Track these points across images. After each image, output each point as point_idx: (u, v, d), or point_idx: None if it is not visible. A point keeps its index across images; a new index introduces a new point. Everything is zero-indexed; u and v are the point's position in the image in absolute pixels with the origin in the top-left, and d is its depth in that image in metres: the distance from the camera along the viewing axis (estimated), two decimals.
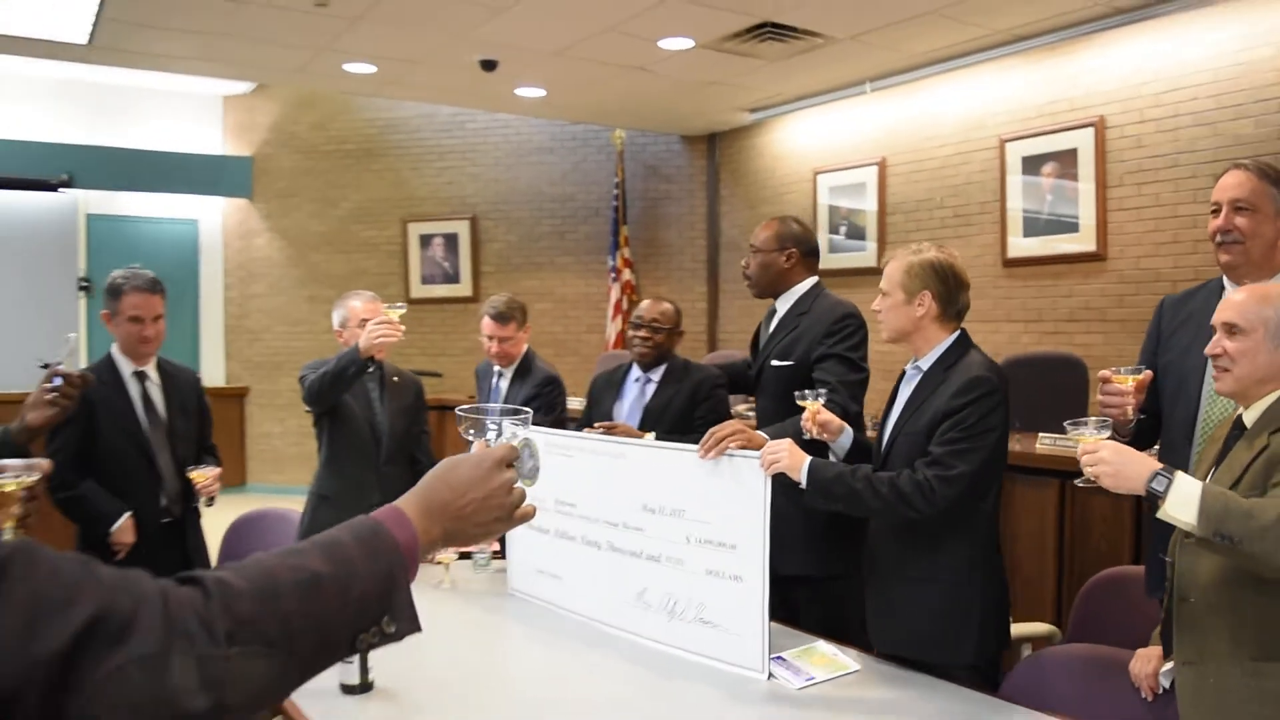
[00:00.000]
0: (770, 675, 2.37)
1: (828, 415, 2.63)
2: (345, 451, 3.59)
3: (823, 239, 7.15)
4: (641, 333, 3.43)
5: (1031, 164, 5.86)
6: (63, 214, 8.00)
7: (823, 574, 2.93)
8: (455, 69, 6.23)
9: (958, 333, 2.49)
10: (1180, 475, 1.80)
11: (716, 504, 2.49)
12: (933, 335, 2.47)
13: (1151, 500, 1.81)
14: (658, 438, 3.10)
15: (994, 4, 5.06)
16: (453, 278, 8.37)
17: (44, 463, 1.75)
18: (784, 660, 2.43)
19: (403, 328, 3.37)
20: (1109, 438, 1.98)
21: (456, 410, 1.39)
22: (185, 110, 8.48)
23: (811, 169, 7.26)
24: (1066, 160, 5.69)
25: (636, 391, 3.49)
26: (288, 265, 8.57)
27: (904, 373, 2.57)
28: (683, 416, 3.35)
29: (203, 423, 3.46)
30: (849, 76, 6.50)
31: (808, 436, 2.62)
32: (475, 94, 7.02)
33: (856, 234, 6.95)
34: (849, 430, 2.66)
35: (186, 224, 8.52)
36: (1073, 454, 2.03)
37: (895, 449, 2.47)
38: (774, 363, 3.20)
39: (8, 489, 1.65)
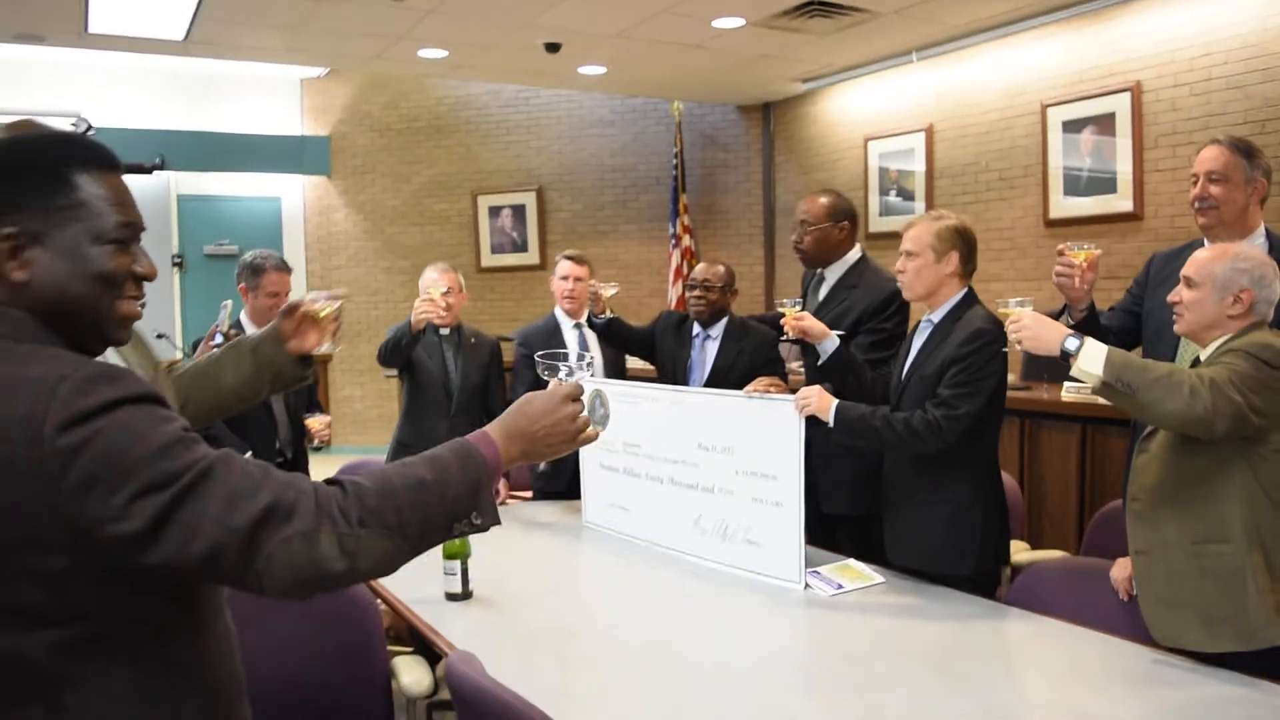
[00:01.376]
0: (806, 585, 2.79)
1: (809, 322, 3.03)
2: (420, 404, 4.09)
3: (874, 203, 7.47)
4: (696, 292, 3.80)
5: (1072, 128, 6.11)
6: (156, 195, 8.53)
7: (860, 513, 3.33)
8: (521, 51, 6.63)
9: (966, 289, 2.87)
10: (1090, 339, 2.20)
11: (760, 441, 2.91)
12: (948, 290, 2.85)
13: (1065, 360, 2.22)
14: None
15: None
16: (521, 247, 8.81)
17: (344, 290, 2.22)
18: (819, 573, 2.84)
19: (443, 304, 3.82)
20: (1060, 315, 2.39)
21: (536, 356, 1.80)
22: (266, 94, 8.98)
23: (862, 136, 7.55)
24: (1105, 124, 5.93)
25: (699, 347, 3.88)
26: (365, 238, 9.08)
27: (918, 324, 2.95)
28: (748, 374, 3.73)
29: (311, 389, 3.97)
30: (896, 47, 6.78)
31: (788, 339, 3.05)
32: (540, 73, 7.43)
33: (906, 197, 7.24)
34: (834, 336, 3.05)
35: (270, 201, 9.05)
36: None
37: (909, 391, 2.86)
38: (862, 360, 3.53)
39: (325, 312, 2.09)
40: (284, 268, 3.80)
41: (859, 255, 3.60)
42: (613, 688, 2.21)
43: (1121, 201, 5.83)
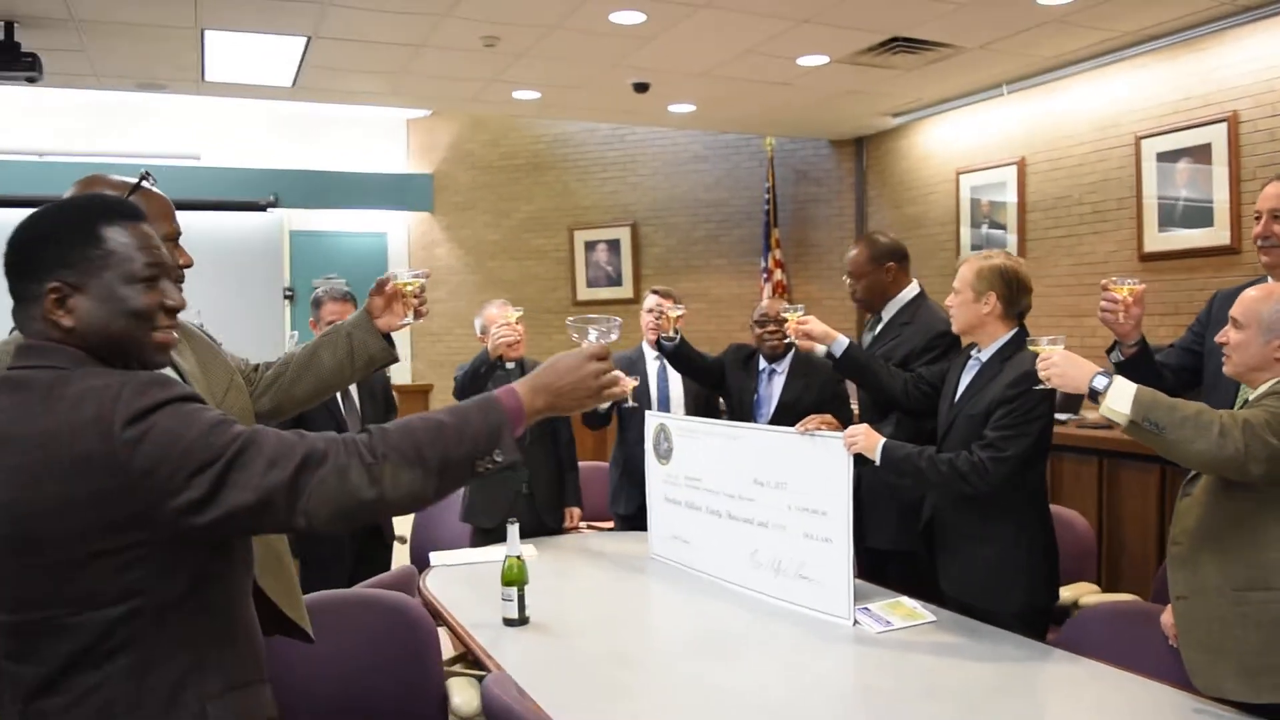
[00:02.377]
0: (855, 622, 2.82)
1: (811, 324, 3.09)
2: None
3: (965, 236, 7.41)
4: (769, 328, 3.87)
5: (1166, 160, 5.98)
6: (269, 231, 8.95)
7: (906, 548, 3.34)
8: (611, 92, 6.81)
9: (1016, 329, 2.88)
10: (1120, 376, 2.20)
11: (811, 478, 2.96)
12: (994, 330, 2.87)
13: (1094, 398, 2.23)
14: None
15: (1115, 10, 5.25)
16: (615, 280, 8.97)
17: (427, 270, 2.46)
18: (869, 610, 2.87)
19: (520, 327, 3.91)
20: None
21: (568, 320, 1.90)
22: (373, 133, 9.36)
23: (954, 169, 7.51)
24: (1200, 155, 5.79)
25: (765, 381, 3.94)
26: (466, 272, 9.36)
27: (966, 362, 2.97)
28: (815, 409, 3.78)
29: (388, 408, 4.13)
30: (984, 81, 6.75)
31: (791, 340, 3.24)
32: (630, 112, 7.59)
33: (998, 231, 7.17)
34: (842, 339, 3.11)
35: (376, 237, 9.41)
36: None
37: (954, 429, 2.88)
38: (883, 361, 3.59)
39: (409, 287, 2.36)
40: (342, 298, 4.01)
41: (916, 292, 3.62)
42: (649, 715, 2.28)
43: (1219, 234, 5.67)
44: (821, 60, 6.07)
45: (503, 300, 4.32)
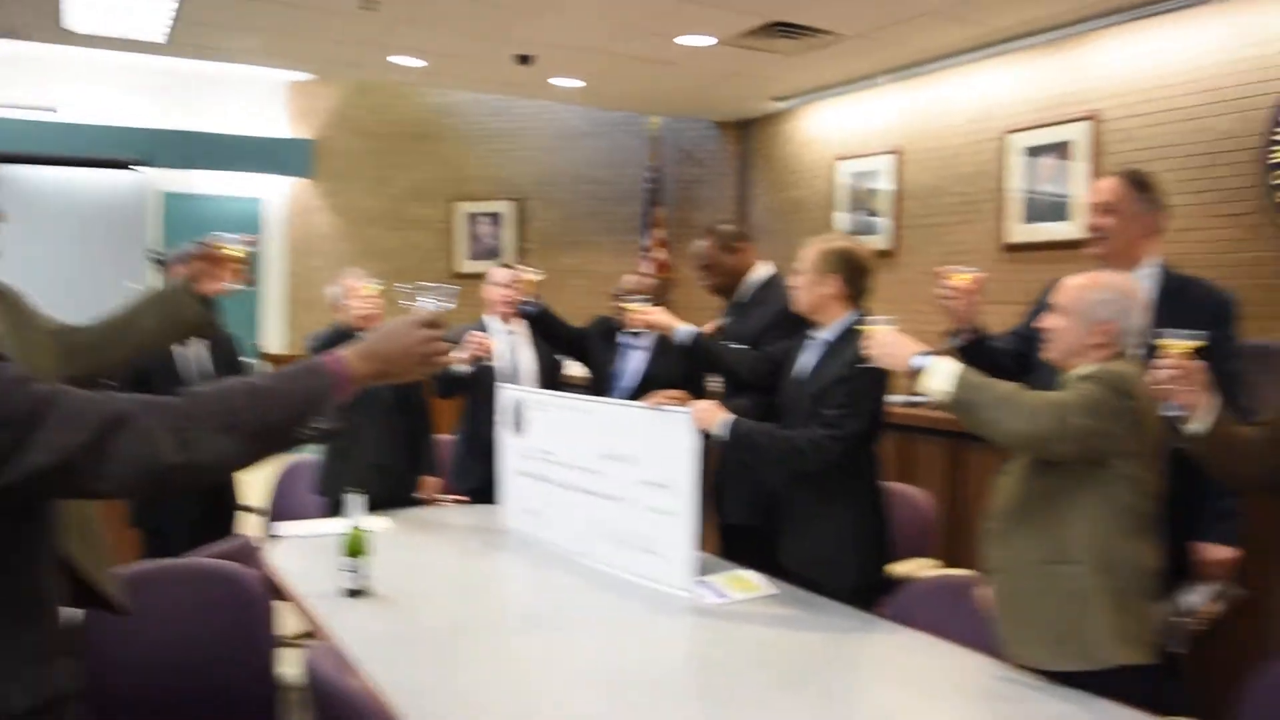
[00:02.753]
0: (694, 594, 2.85)
1: (653, 317, 3.13)
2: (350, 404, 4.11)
3: (841, 223, 7.55)
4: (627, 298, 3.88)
5: (1032, 155, 6.19)
6: (135, 192, 8.61)
7: (759, 523, 3.39)
8: (494, 63, 6.73)
9: (857, 311, 2.94)
10: (940, 357, 2.29)
11: (658, 452, 2.97)
12: (835, 311, 2.93)
13: (914, 376, 2.31)
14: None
15: (989, 3, 5.39)
16: (496, 254, 8.89)
17: (256, 236, 2.37)
18: (708, 583, 2.90)
19: (380, 300, 3.85)
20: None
21: (395, 285, 1.87)
22: (252, 95, 9.05)
23: (834, 155, 7.64)
24: (1064, 152, 6.01)
25: (626, 356, 3.94)
26: (343, 240, 9.17)
27: (806, 341, 3.03)
28: (679, 385, 3.80)
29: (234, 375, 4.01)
30: (864, 70, 6.87)
31: (633, 331, 3.31)
32: (516, 84, 7.53)
33: (873, 218, 7.32)
34: (685, 328, 3.20)
35: (251, 202, 9.13)
36: None
37: (795, 408, 2.94)
38: (731, 345, 3.64)
39: (235, 252, 2.28)
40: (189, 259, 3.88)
41: (771, 272, 3.68)
42: (480, 685, 2.27)
43: (1078, 228, 5.89)
44: (705, 41, 6.10)
45: (360, 270, 4.22)
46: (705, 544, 3.74)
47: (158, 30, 6.11)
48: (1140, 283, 2.79)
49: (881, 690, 2.36)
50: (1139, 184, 2.89)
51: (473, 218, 8.97)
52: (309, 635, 2.99)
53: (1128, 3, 5.40)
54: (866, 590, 2.89)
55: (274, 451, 1.50)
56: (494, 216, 8.91)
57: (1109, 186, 2.91)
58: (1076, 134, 5.92)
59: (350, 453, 3.93)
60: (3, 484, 1.31)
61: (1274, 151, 4.93)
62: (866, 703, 2.26)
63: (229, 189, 9.02)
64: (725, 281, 3.72)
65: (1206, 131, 5.30)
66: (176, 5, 5.59)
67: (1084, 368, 2.32)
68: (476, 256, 8.94)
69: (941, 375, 2.26)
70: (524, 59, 6.56)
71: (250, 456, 1.47)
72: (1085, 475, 2.23)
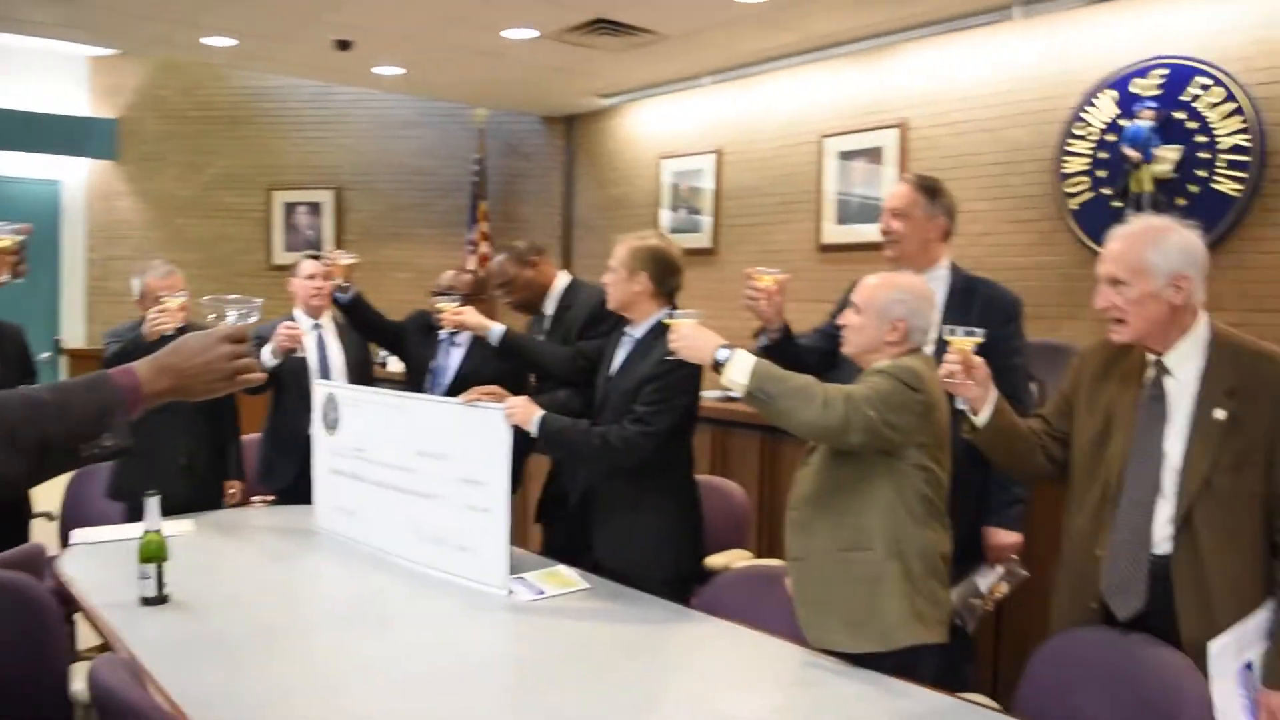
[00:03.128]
0: (510, 591, 2.85)
1: (466, 316, 3.26)
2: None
3: (665, 220, 7.66)
4: (439, 300, 3.84)
5: (845, 160, 6.43)
6: None
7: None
8: (312, 47, 6.51)
9: (668, 307, 2.99)
10: (741, 350, 2.36)
11: (472, 448, 2.95)
12: (647, 308, 2.98)
13: (717, 369, 2.37)
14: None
15: (806, 10, 5.56)
16: (315, 246, 8.60)
17: (29, 225, 2.19)
18: (524, 579, 2.91)
19: (181, 314, 3.58)
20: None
21: (203, 300, 1.79)
22: (49, 70, 8.49)
23: (657, 154, 7.73)
24: (874, 157, 6.26)
25: (445, 352, 3.90)
26: (151, 228, 8.71)
27: (620, 338, 3.07)
28: (497, 381, 3.77)
29: (24, 373, 3.72)
30: (687, 70, 6.98)
31: (445, 331, 3.36)
32: (336, 70, 7.30)
33: (695, 217, 7.45)
34: (498, 327, 3.27)
35: (49, 185, 8.57)
36: None
37: (608, 403, 2.98)
38: (544, 342, 3.65)
39: (5, 243, 2.10)
40: None
41: (568, 280, 3.72)
42: (285, 691, 2.21)
43: None
44: (529, 34, 6.07)
45: (168, 268, 3.98)
46: (524, 541, 3.75)
47: None
48: (931, 283, 2.95)
49: (686, 677, 2.41)
50: (929, 190, 3.05)
51: (290, 207, 8.66)
52: (105, 648, 2.85)
53: (936, 16, 5.66)
54: (680, 582, 2.96)
55: (56, 471, 1.41)
56: (313, 206, 8.63)
57: (900, 193, 3.06)
58: (886, 140, 6.18)
59: (148, 454, 3.73)
60: None
61: (1066, 162, 5.27)
62: (671, 690, 2.30)
63: (23, 170, 8.43)
64: (527, 297, 3.73)
65: (1004, 142, 5.62)
66: None
67: (879, 363, 2.43)
68: (294, 248, 8.61)
69: (740, 368, 2.33)
70: (343, 44, 6.37)
71: (30, 474, 1.37)
72: (879, 465, 2.34)
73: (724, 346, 2.38)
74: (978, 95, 5.73)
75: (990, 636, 3.69)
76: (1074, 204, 5.26)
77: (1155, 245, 2.14)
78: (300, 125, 8.68)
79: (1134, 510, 2.19)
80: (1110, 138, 5.08)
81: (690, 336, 2.44)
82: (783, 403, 2.29)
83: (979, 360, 2.26)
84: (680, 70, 6.98)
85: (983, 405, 2.30)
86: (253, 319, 1.72)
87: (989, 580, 2.89)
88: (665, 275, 2.99)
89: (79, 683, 2.43)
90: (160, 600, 2.73)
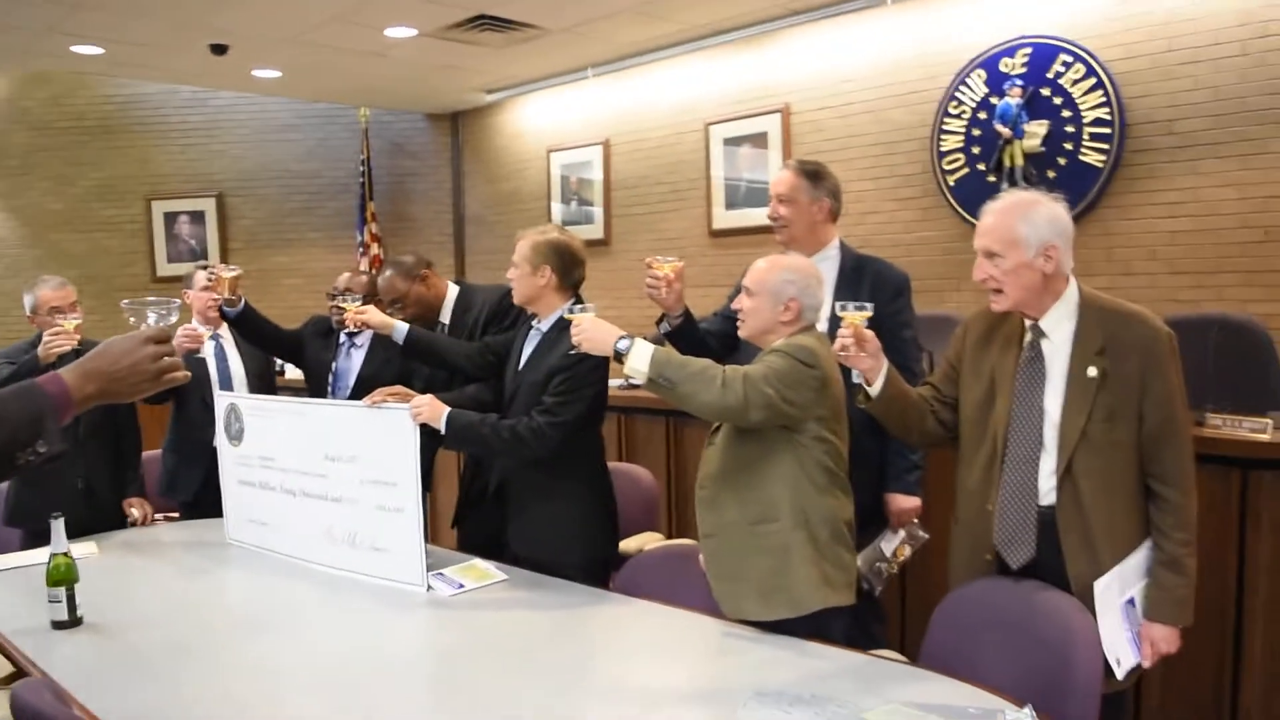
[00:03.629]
0: (429, 588, 2.88)
1: (369, 315, 3.33)
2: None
3: (556, 212, 7.70)
4: (340, 300, 3.83)
5: (731, 145, 6.56)
6: None
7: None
8: (187, 52, 6.37)
9: (572, 299, 3.06)
10: (640, 340, 2.45)
11: (380, 450, 2.97)
12: (552, 301, 3.04)
13: (619, 359, 2.46)
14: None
15: (682, 3, 5.66)
16: (200, 254, 8.42)
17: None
18: (442, 575, 2.94)
19: (77, 336, 3.50)
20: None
21: (123, 303, 1.79)
22: None
23: (546, 147, 7.76)
24: (759, 142, 6.41)
25: (345, 355, 3.89)
26: (24, 246, 8.41)
27: (528, 332, 3.12)
28: (400, 382, 3.78)
29: None
30: (572, 63, 7.03)
31: (348, 330, 3.43)
32: (211, 75, 7.15)
33: (587, 208, 7.51)
34: (401, 326, 3.32)
35: None
36: None
37: (518, 396, 3.04)
38: (449, 339, 3.67)
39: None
40: None
41: (457, 290, 3.76)
42: (208, 704, 2.20)
43: None
44: (410, 33, 6.04)
45: (60, 280, 3.88)
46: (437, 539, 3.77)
47: None
48: (822, 263, 3.08)
49: (610, 657, 2.48)
50: (811, 174, 3.16)
51: (171, 217, 8.45)
52: (19, 675, 2.79)
53: (814, 4, 5.81)
54: (598, 566, 3.03)
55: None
56: (195, 215, 8.43)
57: (784, 179, 3.17)
58: (770, 125, 6.33)
59: (44, 477, 3.64)
60: None
61: (943, 140, 5.47)
62: (595, 670, 2.37)
63: None
64: (421, 312, 3.75)
65: (885, 122, 5.81)
66: None
67: (775, 342, 2.53)
68: (177, 258, 8.42)
69: (640, 357, 2.41)
70: (219, 49, 6.25)
71: None
72: (780, 440, 2.44)
73: (624, 337, 2.46)
74: (858, 78, 5.91)
75: (896, 596, 3.85)
76: (951, 180, 5.47)
77: (1025, 218, 2.28)
78: (177, 132, 8.48)
79: (1019, 465, 2.34)
80: (982, 115, 5.30)
81: (590, 330, 2.51)
82: (683, 387, 2.38)
83: (870, 334, 2.38)
84: (564, 63, 7.03)
85: (875, 376, 2.41)
86: (173, 319, 1.76)
87: (893, 544, 3.03)
88: (569, 268, 3.05)
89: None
90: (74, 623, 2.69)
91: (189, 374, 1.71)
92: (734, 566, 2.49)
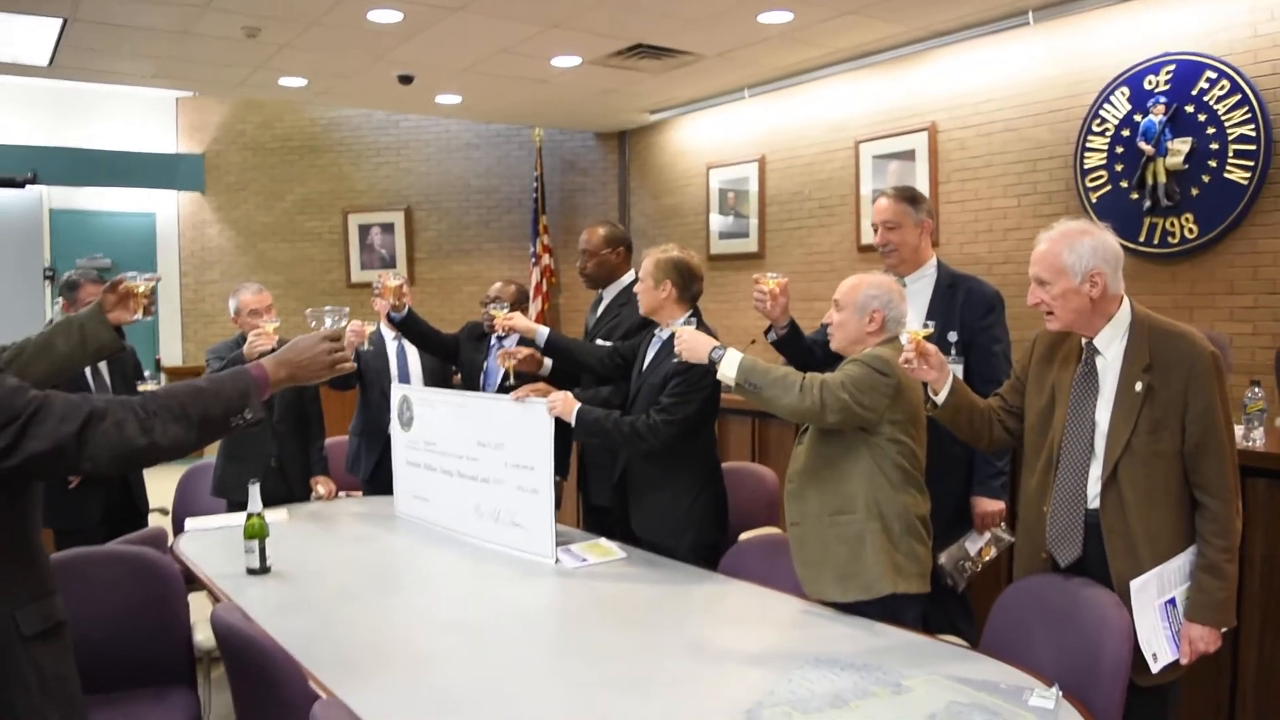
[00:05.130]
0: (557, 560, 3.29)
1: (516, 320, 3.69)
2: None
3: (715, 226, 8.08)
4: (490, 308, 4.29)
5: (880, 163, 6.78)
6: (28, 208, 8.71)
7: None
8: (377, 82, 7.07)
9: (690, 311, 3.42)
10: (731, 349, 2.79)
11: (522, 437, 3.41)
12: (672, 312, 3.41)
13: (712, 366, 2.80)
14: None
15: (829, 28, 5.93)
16: (390, 263, 9.21)
17: (159, 274, 2.78)
18: (570, 550, 3.35)
19: (275, 338, 3.98)
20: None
21: (308, 311, 2.33)
22: (142, 111, 9.23)
23: (705, 164, 8.15)
24: (907, 159, 6.60)
25: (494, 355, 4.35)
26: (238, 254, 9.39)
27: (650, 339, 3.50)
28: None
29: (132, 386, 4.32)
30: (728, 84, 7.39)
31: (496, 335, 3.77)
32: (399, 101, 7.87)
33: (742, 223, 7.85)
34: (543, 330, 3.70)
35: (144, 217, 9.30)
36: None
37: (639, 396, 3.42)
38: (599, 341, 4.08)
39: (140, 288, 2.66)
40: (99, 280, 4.14)
41: (632, 278, 4.11)
42: (365, 636, 2.68)
43: None
44: (574, 61, 6.54)
45: (257, 286, 4.51)
46: (571, 520, 4.21)
47: (40, 54, 6.31)
48: (920, 280, 3.35)
49: (701, 625, 2.81)
50: (910, 199, 3.42)
51: (365, 229, 9.27)
52: None
53: (956, 25, 5.99)
54: (704, 550, 3.38)
55: (213, 437, 1.98)
56: (386, 227, 9.22)
57: (886, 206, 3.43)
58: (917, 143, 6.52)
59: (243, 458, 4.27)
60: (12, 464, 1.72)
61: (1086, 157, 5.56)
62: (686, 634, 2.70)
63: (121, 205, 9.17)
64: (598, 273, 4.13)
65: (1027, 140, 5.92)
66: (59, 31, 5.81)
67: (860, 353, 2.82)
68: (369, 266, 9.24)
69: (729, 364, 2.75)
70: (405, 79, 6.91)
71: (196, 440, 1.91)
72: (858, 440, 2.74)
73: (717, 348, 2.81)
74: (1001, 97, 6.04)
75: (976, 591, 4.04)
76: (1094, 197, 5.54)
77: (1070, 247, 2.50)
78: (371, 151, 9.29)
79: (1071, 472, 2.55)
80: (1125, 132, 5.36)
81: (689, 341, 2.88)
82: (767, 391, 2.71)
83: (932, 347, 2.63)
84: (721, 85, 7.40)
85: (941, 386, 2.67)
86: (344, 323, 2.30)
87: (977, 545, 3.26)
88: (687, 282, 3.41)
89: (199, 635, 2.94)
90: (263, 571, 3.23)
91: (355, 365, 2.22)
92: (815, 553, 2.79)
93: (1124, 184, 5.39)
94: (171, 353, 9.25)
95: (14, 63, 6.52)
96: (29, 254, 8.62)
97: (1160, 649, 2.43)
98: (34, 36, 5.95)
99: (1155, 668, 2.42)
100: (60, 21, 5.62)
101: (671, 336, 3.38)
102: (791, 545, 2.89)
